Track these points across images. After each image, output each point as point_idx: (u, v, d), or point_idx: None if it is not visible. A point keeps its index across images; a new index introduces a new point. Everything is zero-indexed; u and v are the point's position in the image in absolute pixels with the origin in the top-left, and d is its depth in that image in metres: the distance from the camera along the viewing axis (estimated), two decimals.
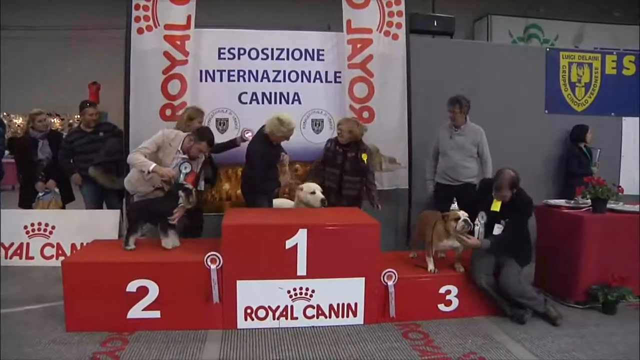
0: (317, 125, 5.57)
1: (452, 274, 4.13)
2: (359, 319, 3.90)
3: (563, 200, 4.93)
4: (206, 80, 5.41)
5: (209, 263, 3.69)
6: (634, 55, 6.59)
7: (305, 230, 3.74)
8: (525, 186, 4.22)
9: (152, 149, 4.35)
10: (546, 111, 6.32)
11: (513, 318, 4.03)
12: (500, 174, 4.08)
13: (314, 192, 4.54)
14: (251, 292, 3.76)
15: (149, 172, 4.26)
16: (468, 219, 4.01)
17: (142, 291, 3.67)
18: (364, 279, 3.86)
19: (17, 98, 12.06)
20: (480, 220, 4.19)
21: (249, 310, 3.78)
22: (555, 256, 4.61)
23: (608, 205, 4.54)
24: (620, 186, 4.93)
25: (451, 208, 4.16)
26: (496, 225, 4.13)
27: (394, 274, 3.91)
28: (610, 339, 3.73)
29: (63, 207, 5.78)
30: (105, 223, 5.33)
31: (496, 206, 4.10)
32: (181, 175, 4.32)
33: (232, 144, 4.98)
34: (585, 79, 6.45)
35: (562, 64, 6.37)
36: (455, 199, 4.31)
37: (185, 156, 4.39)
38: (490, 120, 6.00)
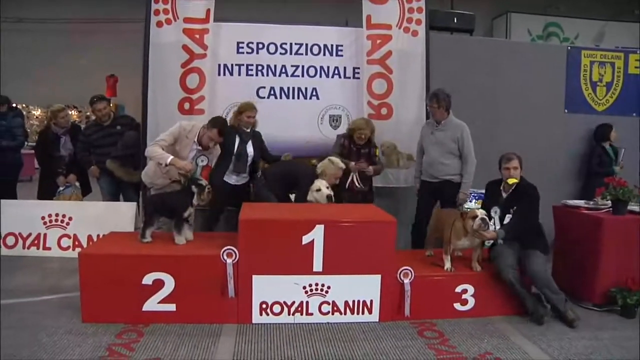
0: (335, 121, 5.56)
1: (469, 273, 4.11)
2: (374, 317, 3.88)
3: (582, 201, 4.87)
4: (224, 75, 5.43)
5: (225, 257, 3.70)
6: None
7: (322, 226, 3.73)
8: (543, 186, 4.22)
9: (170, 141, 4.39)
10: (566, 110, 6.26)
11: (532, 318, 4.01)
12: (508, 153, 4.26)
13: (319, 190, 4.56)
14: (267, 287, 3.76)
15: (166, 165, 4.30)
16: (486, 217, 4.02)
17: (158, 284, 3.69)
18: (379, 276, 3.85)
19: (36, 90, 12.23)
20: (494, 215, 4.22)
21: (264, 305, 3.78)
22: (573, 257, 4.56)
23: (629, 207, 4.47)
24: (639, 187, 4.88)
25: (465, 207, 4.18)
26: (507, 216, 4.17)
27: (410, 272, 3.90)
28: (628, 343, 3.68)
29: (82, 200, 5.84)
30: (121, 215, 5.37)
31: (511, 180, 4.18)
32: (198, 169, 4.35)
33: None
34: (607, 78, 6.38)
35: (583, 62, 6.31)
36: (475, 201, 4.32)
37: (200, 148, 4.43)
38: (509, 119, 6.02)
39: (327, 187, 4.60)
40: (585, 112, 6.31)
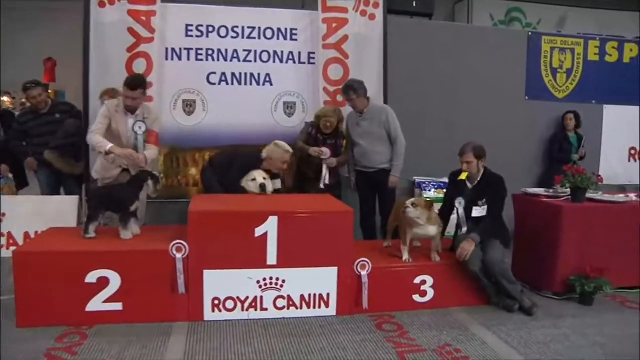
0: (289, 108, 5.58)
1: (427, 263, 4.20)
2: (331, 310, 3.93)
3: (542, 189, 5.06)
4: (172, 59, 5.37)
5: (174, 251, 3.67)
6: (616, 41, 6.74)
7: (276, 217, 3.75)
8: (504, 173, 4.33)
9: (105, 123, 4.35)
10: (526, 97, 6.43)
11: (500, 305, 4.18)
12: (464, 144, 4.33)
13: (254, 179, 4.56)
14: (219, 282, 3.76)
15: (106, 153, 4.25)
16: (412, 204, 4.13)
17: (103, 282, 3.62)
18: (336, 268, 3.90)
19: None
20: (459, 205, 4.32)
21: (216, 301, 3.78)
22: (533, 246, 4.73)
23: (587, 195, 4.67)
24: (599, 175, 5.10)
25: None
26: (474, 208, 4.27)
27: (368, 263, 3.96)
28: (586, 330, 3.85)
29: (16, 194, 5.67)
30: (61, 210, 5.22)
31: (462, 176, 4.29)
32: (138, 137, 4.32)
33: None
34: (567, 64, 6.58)
35: (543, 48, 6.49)
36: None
37: (130, 113, 4.39)
38: (469, 105, 6.14)
39: (264, 177, 4.59)
40: (545, 99, 6.50)
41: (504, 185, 4.26)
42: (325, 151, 5.05)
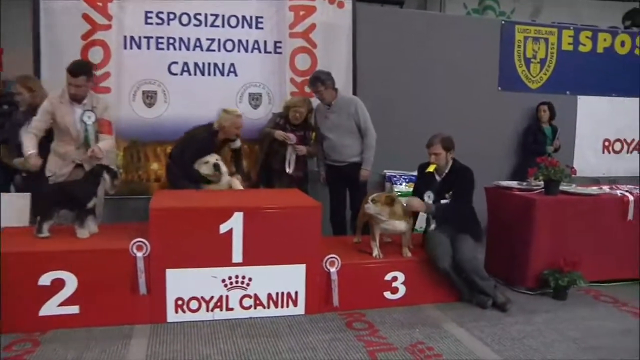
0: (255, 99, 5.57)
1: (398, 259, 4.25)
2: (300, 309, 3.96)
3: (515, 182, 5.16)
4: (131, 48, 5.29)
5: (135, 250, 3.65)
6: (590, 31, 6.89)
7: (241, 213, 3.76)
8: (476, 166, 4.40)
9: (46, 119, 4.27)
10: (499, 88, 6.54)
11: (473, 302, 4.27)
12: (432, 135, 4.39)
13: (207, 162, 4.58)
14: (182, 282, 3.75)
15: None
16: (372, 200, 4.16)
17: (58, 284, 3.56)
18: (304, 265, 3.93)
19: None
20: (428, 199, 4.39)
21: (180, 302, 3.77)
22: (506, 240, 4.82)
23: (561, 188, 4.78)
24: (573, 167, 5.21)
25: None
26: (442, 202, 4.35)
27: (337, 260, 3.99)
28: (560, 325, 3.95)
29: None
30: (12, 209, 5.10)
31: (430, 168, 4.36)
32: (88, 128, 4.25)
33: None
34: (541, 54, 6.70)
35: (517, 38, 6.59)
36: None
37: (77, 102, 4.33)
38: (441, 96, 6.20)
39: (217, 159, 4.60)
40: (518, 90, 6.61)
41: (472, 177, 4.33)
42: (292, 137, 5.06)
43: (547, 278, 4.47)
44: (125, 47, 5.28)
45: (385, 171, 5.99)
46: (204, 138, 4.72)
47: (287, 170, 5.10)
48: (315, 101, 5.26)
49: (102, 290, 3.64)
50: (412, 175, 4.93)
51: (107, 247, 3.71)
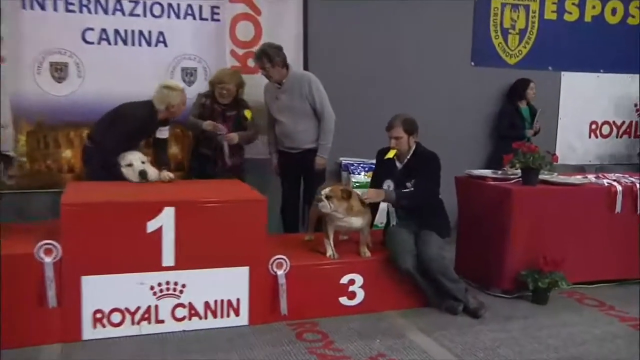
0: (189, 75, 5.57)
1: (356, 260, 4.34)
2: (243, 319, 4.00)
3: (489, 171, 5.31)
4: (32, 9, 5.15)
5: (42, 255, 3.59)
6: None
7: (172, 208, 3.76)
8: (446, 153, 4.53)
9: None
10: (472, 63, 6.68)
11: (442, 307, 4.38)
12: (392, 117, 4.48)
13: (130, 164, 4.48)
14: (101, 291, 3.72)
15: None
16: (326, 197, 4.20)
17: None
18: (247, 268, 3.97)
19: None
20: (386, 187, 4.49)
21: (98, 315, 3.74)
22: (478, 237, 4.97)
23: (540, 177, 4.93)
24: (555, 154, 5.37)
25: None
26: (403, 192, 4.44)
27: (285, 262, 4.04)
28: (540, 333, 4.10)
29: None
30: None
31: (390, 154, 4.45)
32: None
33: None
34: (520, 24, 6.84)
35: (493, 5, 6.72)
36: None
37: None
38: (407, 72, 6.31)
39: (143, 162, 4.51)
40: (495, 66, 6.76)
41: (438, 163, 4.45)
42: (222, 128, 5.06)
43: (526, 279, 4.62)
44: (24, 7, 5.13)
45: (341, 159, 6.09)
46: (144, 117, 4.63)
47: (228, 162, 5.14)
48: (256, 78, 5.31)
49: (1, 304, 3.53)
50: (372, 164, 4.99)
51: (8, 252, 3.61)
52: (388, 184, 4.50)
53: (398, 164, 4.52)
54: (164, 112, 4.67)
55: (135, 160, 4.49)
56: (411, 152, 4.48)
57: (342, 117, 5.35)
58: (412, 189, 4.41)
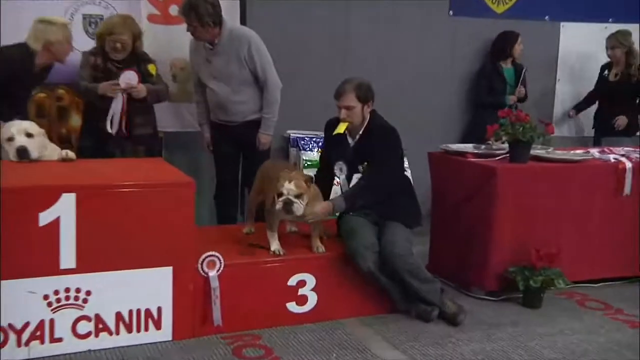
0: (93, 24, 5.50)
1: (307, 256, 4.34)
2: (166, 333, 3.96)
3: (470, 145, 5.35)
4: None
5: None
6: None
7: (73, 195, 3.67)
8: (417, 124, 4.55)
9: None
10: (451, 12, 6.72)
11: (412, 313, 4.42)
12: (341, 83, 4.46)
13: (11, 138, 4.32)
14: None
15: None
16: (293, 198, 4.12)
17: None
18: (170, 269, 3.91)
19: None
20: (339, 173, 4.53)
21: None
22: (456, 226, 5.01)
23: (532, 152, 4.98)
24: (550, 123, 5.42)
25: None
26: (355, 176, 4.46)
27: (219, 260, 4.01)
28: (532, 343, 4.15)
29: None
30: None
31: (340, 128, 4.43)
32: None
33: None
34: None
35: None
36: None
37: None
38: (367, 27, 6.34)
39: (28, 134, 4.32)
40: (478, 15, 6.83)
41: (396, 138, 4.46)
42: (128, 77, 4.99)
43: (514, 277, 4.66)
44: None
45: (288, 132, 6.11)
46: (15, 61, 4.57)
47: (109, 129, 5.02)
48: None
49: None
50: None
51: None
52: (340, 166, 4.52)
53: (350, 140, 4.52)
54: (44, 53, 4.65)
55: (18, 133, 4.30)
56: (364, 125, 4.49)
57: (289, 82, 5.36)
58: (365, 175, 4.41)
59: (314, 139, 5.98)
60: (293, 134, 6.09)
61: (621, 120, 6.73)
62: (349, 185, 4.49)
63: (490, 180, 4.74)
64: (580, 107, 7.21)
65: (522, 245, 4.73)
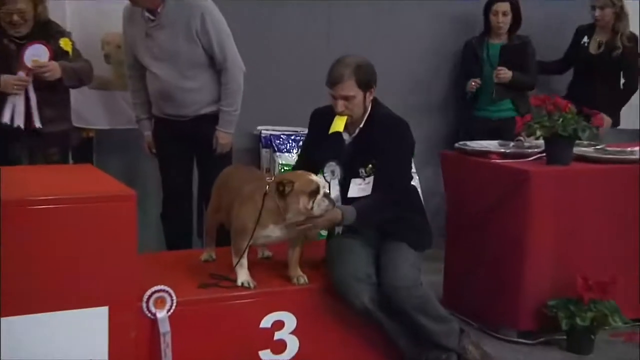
0: None
1: (285, 289, 4.29)
2: None
3: (494, 142, 5.36)
4: None
5: None
6: None
7: None
8: (419, 116, 4.55)
9: None
10: None
11: None
12: (334, 64, 4.34)
13: None
14: None
15: None
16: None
17: None
18: (106, 309, 3.85)
19: None
20: (330, 177, 4.44)
21: None
22: (478, 248, 5.01)
23: (576, 150, 4.97)
24: (598, 112, 5.44)
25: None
26: (353, 182, 4.37)
27: (169, 296, 3.98)
28: None
29: None
30: None
31: (338, 125, 4.31)
32: None
33: None
34: None
35: None
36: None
37: None
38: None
39: None
40: None
41: (409, 135, 4.42)
42: (35, 52, 4.97)
43: (556, 314, 4.64)
44: None
45: (259, 129, 6.14)
46: None
47: (6, 120, 5.00)
48: None
49: None
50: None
51: None
52: (332, 169, 4.44)
53: (346, 136, 4.46)
54: None
55: None
56: (365, 117, 4.43)
57: (255, 66, 5.41)
58: (376, 183, 4.32)
59: (292, 137, 5.94)
60: (265, 131, 6.10)
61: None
62: (344, 193, 4.41)
63: (522, 187, 4.72)
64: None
65: (565, 272, 4.74)
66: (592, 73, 6.99)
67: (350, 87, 4.27)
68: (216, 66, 5.19)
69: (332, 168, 4.45)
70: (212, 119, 5.23)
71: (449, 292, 5.11)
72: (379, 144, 4.32)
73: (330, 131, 4.34)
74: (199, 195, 5.47)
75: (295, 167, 4.67)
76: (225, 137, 5.23)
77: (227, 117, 5.21)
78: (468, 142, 5.36)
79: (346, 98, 4.28)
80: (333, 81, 4.29)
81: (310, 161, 4.55)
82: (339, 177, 4.43)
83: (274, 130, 6.08)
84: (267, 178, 4.35)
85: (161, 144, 5.41)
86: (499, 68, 6.68)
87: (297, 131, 5.90)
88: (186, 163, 5.42)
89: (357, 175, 4.36)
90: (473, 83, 6.72)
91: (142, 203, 4.11)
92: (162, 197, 5.43)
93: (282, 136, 6.03)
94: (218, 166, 4.99)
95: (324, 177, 4.41)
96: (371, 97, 4.41)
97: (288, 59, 5.99)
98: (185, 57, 5.15)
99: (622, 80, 7.02)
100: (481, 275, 4.99)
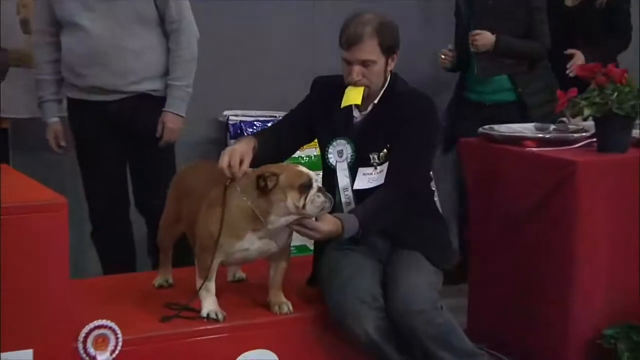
0: None
1: (263, 320, 4.30)
2: None
3: (529, 125, 5.37)
4: None
5: None
6: None
7: None
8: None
9: None
10: None
11: None
12: (351, 21, 4.32)
13: None
14: None
15: None
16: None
17: None
18: (30, 352, 3.87)
19: None
20: (334, 156, 4.44)
21: None
22: (512, 262, 4.99)
23: (635, 133, 4.97)
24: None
25: None
26: (361, 171, 4.37)
27: (113, 334, 3.96)
28: None
29: None
30: None
31: (354, 97, 4.28)
32: None
33: None
34: None
35: None
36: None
37: None
38: None
39: None
40: None
41: (434, 117, 4.46)
42: None
43: (615, 345, 4.62)
44: None
45: (226, 114, 6.18)
46: None
47: None
48: None
49: None
50: None
51: None
52: (340, 148, 4.42)
53: (356, 114, 4.47)
54: None
55: None
56: (383, 89, 4.44)
57: (222, 35, 5.47)
58: (388, 179, 4.30)
59: (269, 124, 5.96)
60: (234, 117, 6.11)
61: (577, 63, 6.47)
62: (349, 183, 4.40)
63: (568, 182, 4.69)
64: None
65: (625, 291, 4.73)
66: (569, 32, 6.98)
67: (371, 50, 4.27)
68: (166, 25, 5.20)
69: (341, 147, 4.42)
70: (153, 101, 5.25)
71: (474, 319, 5.10)
72: (396, 126, 4.31)
73: (343, 104, 4.32)
74: (137, 201, 5.45)
75: (273, 128, 4.74)
76: (174, 120, 5.22)
77: (178, 94, 5.21)
78: (495, 126, 5.33)
79: (365, 64, 4.27)
80: (350, 41, 4.26)
81: (291, 124, 4.61)
82: (349, 159, 4.39)
83: (244, 115, 6.06)
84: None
85: (81, 135, 5.41)
86: (474, 32, 6.55)
87: (275, 116, 5.90)
88: (118, 160, 5.40)
89: (367, 163, 4.35)
90: (443, 56, 6.69)
91: (73, 214, 4.03)
92: (88, 208, 5.40)
93: (255, 123, 6.03)
94: (163, 162, 5.11)
95: (328, 159, 4.41)
96: (393, 65, 4.39)
97: (264, 29, 5.99)
98: (129, 7, 5.15)
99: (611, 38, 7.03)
100: (515, 298, 4.97)
